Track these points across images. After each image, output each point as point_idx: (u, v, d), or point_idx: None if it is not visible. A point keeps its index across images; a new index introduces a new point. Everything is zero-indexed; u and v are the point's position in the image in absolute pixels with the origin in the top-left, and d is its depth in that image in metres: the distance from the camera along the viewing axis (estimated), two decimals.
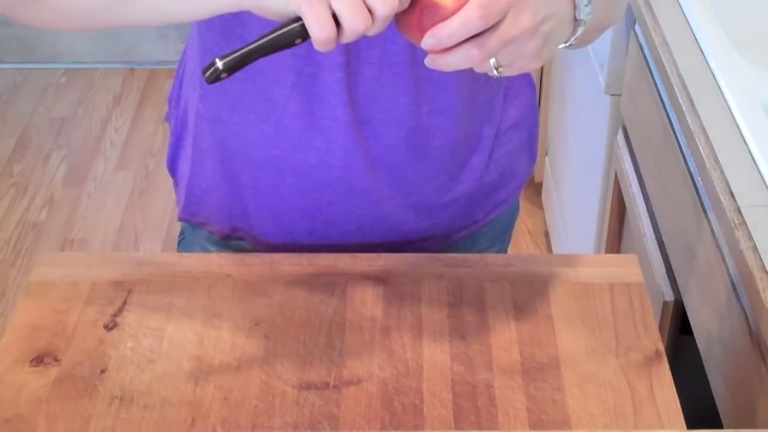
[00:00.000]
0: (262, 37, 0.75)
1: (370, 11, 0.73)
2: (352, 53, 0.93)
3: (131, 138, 2.96)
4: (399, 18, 0.77)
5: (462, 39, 0.74)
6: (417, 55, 0.94)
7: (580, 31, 0.81)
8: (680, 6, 1.40)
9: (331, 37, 0.73)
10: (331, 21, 0.73)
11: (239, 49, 0.75)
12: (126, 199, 2.72)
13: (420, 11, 0.75)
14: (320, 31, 0.73)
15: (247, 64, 0.76)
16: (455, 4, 0.74)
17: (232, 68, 0.75)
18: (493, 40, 0.74)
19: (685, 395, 0.90)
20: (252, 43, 0.75)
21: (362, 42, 0.93)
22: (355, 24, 0.73)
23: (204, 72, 0.76)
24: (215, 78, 0.75)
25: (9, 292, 2.41)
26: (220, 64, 0.75)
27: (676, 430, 0.84)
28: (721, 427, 1.08)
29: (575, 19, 0.80)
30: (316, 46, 0.74)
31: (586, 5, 0.79)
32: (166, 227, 2.61)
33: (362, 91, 0.96)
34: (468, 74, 0.98)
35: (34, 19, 0.91)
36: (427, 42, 0.74)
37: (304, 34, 0.74)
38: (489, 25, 0.73)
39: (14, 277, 2.45)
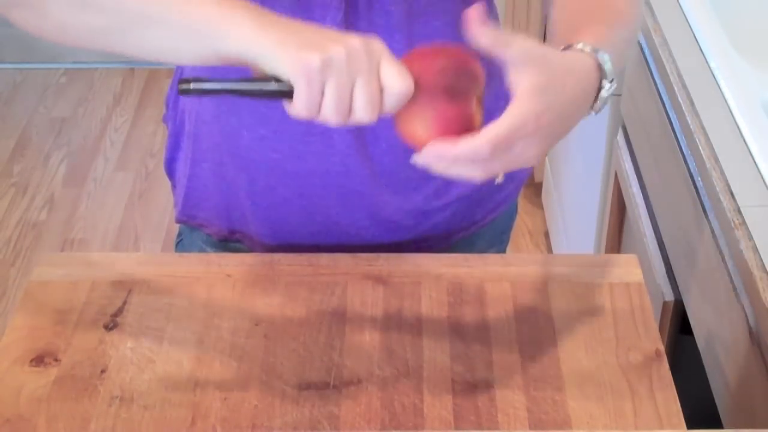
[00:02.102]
0: (244, 80, 0.77)
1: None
2: None
3: (131, 138, 2.96)
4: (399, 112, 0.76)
5: (466, 165, 0.74)
6: None
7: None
8: (680, 6, 1.40)
9: (308, 118, 0.74)
10: (318, 105, 0.74)
11: (218, 81, 0.77)
12: (126, 199, 2.71)
13: (428, 115, 0.75)
14: (303, 110, 0.74)
15: (216, 96, 0.80)
16: (464, 124, 0.74)
17: (202, 95, 0.79)
18: (497, 166, 0.75)
19: (685, 395, 0.90)
20: (232, 81, 0.77)
21: None
22: (329, 118, 0.74)
23: (180, 83, 0.78)
24: (185, 93, 0.78)
25: (9, 292, 2.41)
26: (193, 86, 0.77)
27: (676, 430, 0.84)
28: (721, 427, 1.08)
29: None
30: (290, 112, 0.75)
31: (604, 103, 0.80)
32: (166, 227, 2.61)
33: None
34: None
35: (22, 24, 0.88)
36: (429, 157, 0.74)
37: (285, 96, 0.75)
38: (496, 158, 0.74)
39: (14, 277, 2.45)
